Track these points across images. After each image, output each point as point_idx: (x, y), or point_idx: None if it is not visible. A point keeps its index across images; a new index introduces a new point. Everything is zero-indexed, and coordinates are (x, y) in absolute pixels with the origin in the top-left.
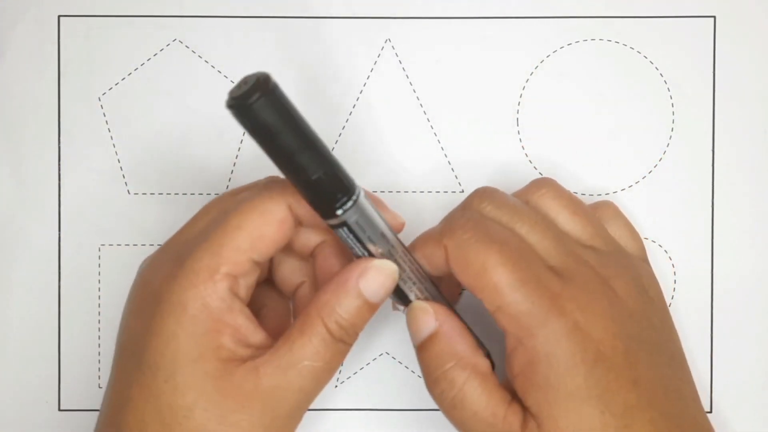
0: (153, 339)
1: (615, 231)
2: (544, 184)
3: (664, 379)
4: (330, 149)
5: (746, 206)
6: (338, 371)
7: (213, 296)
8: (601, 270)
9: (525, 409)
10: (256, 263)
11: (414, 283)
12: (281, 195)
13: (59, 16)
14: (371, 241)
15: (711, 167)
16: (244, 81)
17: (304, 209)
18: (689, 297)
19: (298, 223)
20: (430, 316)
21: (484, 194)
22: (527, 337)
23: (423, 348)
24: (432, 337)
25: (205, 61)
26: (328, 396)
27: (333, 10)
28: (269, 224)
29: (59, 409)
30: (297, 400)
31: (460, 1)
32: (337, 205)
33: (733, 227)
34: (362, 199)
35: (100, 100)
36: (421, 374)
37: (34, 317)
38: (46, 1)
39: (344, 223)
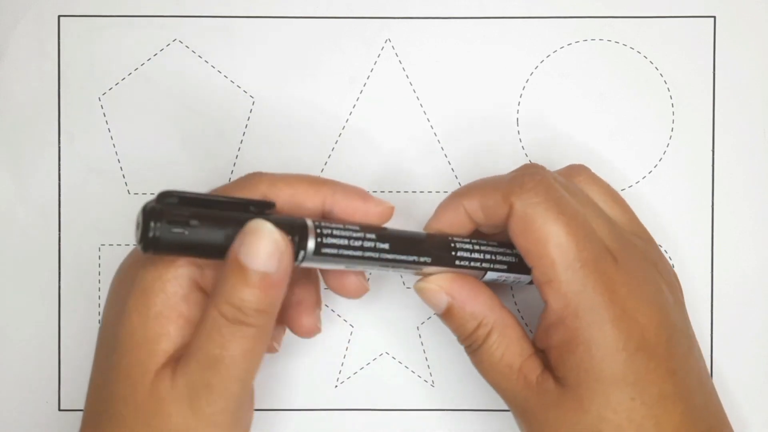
0: (117, 321)
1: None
2: (582, 170)
3: (696, 371)
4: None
5: (746, 206)
6: (338, 371)
7: (172, 281)
8: (648, 256)
9: (546, 366)
10: None
11: (406, 269)
12: (243, 185)
13: (59, 16)
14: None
15: (711, 167)
16: (136, 224)
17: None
18: (689, 297)
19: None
20: (438, 293)
21: (536, 167)
22: (571, 318)
23: (444, 317)
24: (448, 310)
25: (205, 61)
26: (328, 396)
27: (333, 10)
28: None
29: (59, 409)
30: (211, 397)
31: (460, 0)
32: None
33: (733, 227)
34: (310, 224)
35: (100, 100)
36: (420, 374)
37: (34, 317)
38: (46, 1)
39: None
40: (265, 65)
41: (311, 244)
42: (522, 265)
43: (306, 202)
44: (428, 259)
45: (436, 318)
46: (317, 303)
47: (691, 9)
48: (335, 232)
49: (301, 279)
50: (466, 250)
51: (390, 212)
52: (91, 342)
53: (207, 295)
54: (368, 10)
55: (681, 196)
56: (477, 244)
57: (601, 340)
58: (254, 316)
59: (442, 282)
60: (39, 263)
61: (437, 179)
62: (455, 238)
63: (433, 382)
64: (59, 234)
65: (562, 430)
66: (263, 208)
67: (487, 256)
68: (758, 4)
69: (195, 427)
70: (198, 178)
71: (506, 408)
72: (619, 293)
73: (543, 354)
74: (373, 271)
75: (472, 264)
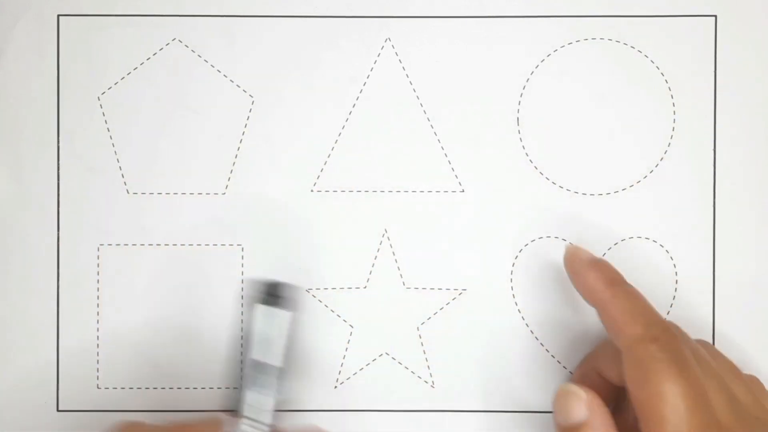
0: None
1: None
2: (706, 345)
3: None
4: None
5: (747, 205)
6: (338, 372)
7: None
8: None
9: None
10: None
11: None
12: None
13: (59, 16)
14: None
15: (712, 166)
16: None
17: None
18: (690, 297)
19: None
20: (582, 404)
21: (675, 327)
22: None
23: (567, 430)
24: (580, 426)
25: (205, 61)
26: (327, 396)
27: (333, 10)
28: None
29: (58, 410)
30: None
31: (460, 0)
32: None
33: (734, 226)
34: None
35: (99, 99)
36: (420, 375)
37: (33, 317)
38: (45, 1)
39: None
40: (264, 65)
41: None
42: None
43: None
44: None
45: (436, 318)
46: None
47: (692, 8)
48: None
49: None
50: None
51: None
52: (90, 342)
53: None
54: (368, 9)
55: (682, 195)
56: None
57: None
58: None
59: (589, 393)
60: (38, 263)
61: (437, 179)
62: None
63: (433, 382)
64: (58, 234)
65: None
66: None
67: None
68: (759, 3)
69: None
70: (197, 179)
71: (506, 409)
72: None
73: None
74: None
75: None
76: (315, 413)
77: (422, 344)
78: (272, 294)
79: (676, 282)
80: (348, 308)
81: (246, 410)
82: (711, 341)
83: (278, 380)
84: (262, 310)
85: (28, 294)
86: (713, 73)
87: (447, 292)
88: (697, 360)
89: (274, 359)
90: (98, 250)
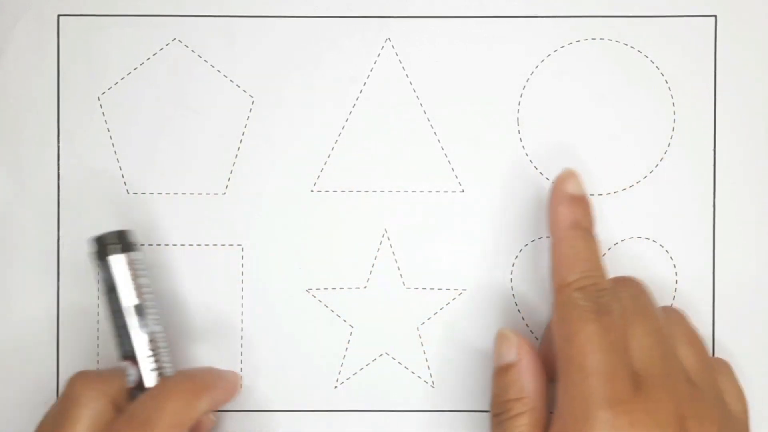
0: None
1: (724, 386)
2: (669, 310)
3: None
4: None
5: (748, 206)
6: (338, 372)
7: None
8: (686, 405)
9: None
10: None
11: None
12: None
13: (59, 16)
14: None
15: (712, 167)
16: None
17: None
18: (690, 297)
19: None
20: (512, 347)
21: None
22: (565, 419)
23: (499, 371)
24: (509, 366)
25: (205, 61)
26: (327, 397)
27: (333, 10)
28: None
29: None
30: None
31: (460, 0)
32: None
33: (734, 227)
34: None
35: (99, 99)
36: (420, 375)
37: (33, 317)
38: (45, 1)
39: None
40: (264, 65)
41: None
42: None
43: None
44: None
45: (436, 318)
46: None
47: (692, 8)
48: None
49: None
50: None
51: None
52: (90, 342)
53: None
54: (368, 9)
55: (682, 195)
56: None
57: None
58: None
59: (520, 339)
60: (38, 263)
61: (437, 179)
62: None
63: (433, 382)
64: (58, 234)
65: None
66: None
67: None
68: (759, 3)
69: None
70: (197, 179)
71: None
72: (619, 420)
73: None
74: None
75: None
76: (315, 413)
77: (422, 344)
78: (107, 245)
79: (676, 282)
80: (348, 308)
81: (137, 352)
82: (711, 341)
83: (142, 316)
84: (105, 262)
85: (28, 293)
86: (713, 73)
87: (447, 292)
88: (641, 317)
89: (131, 300)
90: None
